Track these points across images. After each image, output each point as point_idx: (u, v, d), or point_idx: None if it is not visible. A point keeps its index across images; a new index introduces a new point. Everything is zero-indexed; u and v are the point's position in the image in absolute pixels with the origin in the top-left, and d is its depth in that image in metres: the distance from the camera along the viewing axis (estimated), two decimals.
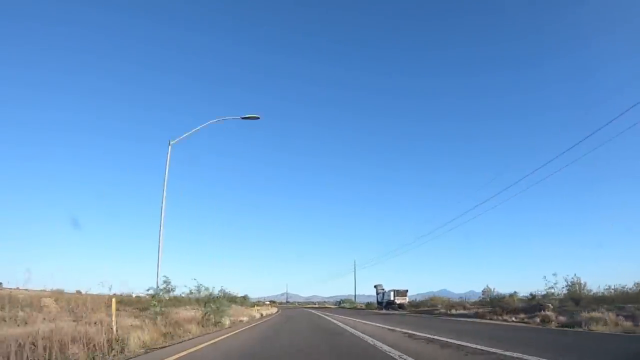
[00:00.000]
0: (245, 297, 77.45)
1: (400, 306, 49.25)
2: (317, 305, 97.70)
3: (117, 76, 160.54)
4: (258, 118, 18.48)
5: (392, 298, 49.98)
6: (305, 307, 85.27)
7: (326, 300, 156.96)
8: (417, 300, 49.69)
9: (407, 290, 50.87)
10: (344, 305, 76.92)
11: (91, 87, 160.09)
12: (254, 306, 66.40)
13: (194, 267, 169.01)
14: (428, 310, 38.57)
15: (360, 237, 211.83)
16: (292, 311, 51.06)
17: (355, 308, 65.84)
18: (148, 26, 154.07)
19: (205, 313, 14.58)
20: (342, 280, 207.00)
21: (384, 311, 46.95)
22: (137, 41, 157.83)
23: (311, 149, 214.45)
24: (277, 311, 50.21)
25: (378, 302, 56.62)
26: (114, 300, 8.45)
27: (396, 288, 50.51)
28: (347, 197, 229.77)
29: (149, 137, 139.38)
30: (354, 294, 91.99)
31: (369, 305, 62.55)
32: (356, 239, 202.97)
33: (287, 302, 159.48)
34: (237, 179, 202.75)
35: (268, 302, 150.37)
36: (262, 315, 32.29)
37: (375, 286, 60.15)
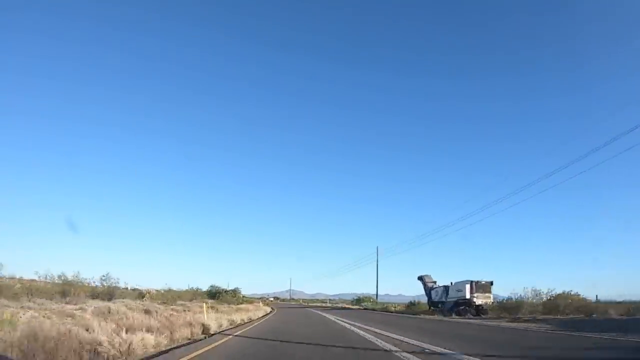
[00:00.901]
0: (235, 292, 56.93)
1: (480, 310, 28.20)
2: (328, 304, 76.04)
3: None
4: None
5: (466, 296, 28.69)
6: (312, 306, 64.27)
7: (331, 297, 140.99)
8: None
9: (491, 283, 29.60)
10: (368, 306, 55.52)
11: None
12: (241, 303, 46.05)
13: (197, 264, 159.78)
14: (581, 320, 17.09)
15: (360, 235, 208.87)
16: (292, 313, 30.40)
17: (387, 310, 44.58)
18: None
19: None
20: (345, 278, 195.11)
21: (456, 318, 25.91)
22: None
23: (316, 146, 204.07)
24: (269, 313, 29.53)
25: (431, 303, 35.42)
26: None
27: (473, 279, 29.22)
28: (349, 196, 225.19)
29: None
30: (365, 290, 73.36)
31: (411, 306, 40.84)
32: (357, 237, 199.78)
33: (290, 298, 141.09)
34: (238, 174, 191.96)
35: (272, 299, 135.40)
36: (202, 334, 11.34)
37: (420, 278, 39.02)
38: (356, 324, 17.46)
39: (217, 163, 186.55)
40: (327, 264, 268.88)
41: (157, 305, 22.28)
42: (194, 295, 39.86)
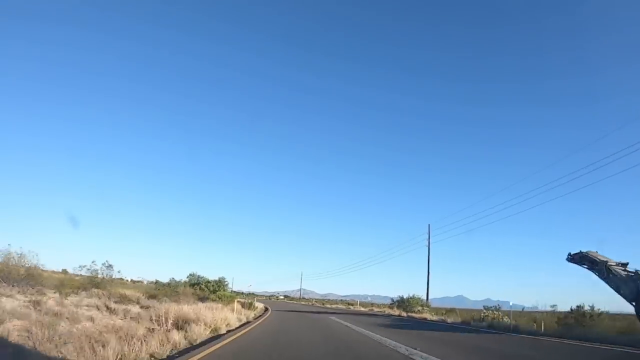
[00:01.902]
0: (220, 282, 38.77)
1: None
2: (359, 307, 54.85)
3: None
4: None
5: None
6: (331, 311, 44.42)
7: (342, 298, 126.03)
8: None
9: None
10: (420, 313, 34.40)
11: None
12: (213, 300, 27.18)
13: (205, 260, 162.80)
14: None
15: (363, 235, 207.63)
16: (302, 329, 9.96)
17: (532, 332, 23.70)
18: None
19: None
20: (354, 279, 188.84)
21: None
22: None
23: (323, 147, 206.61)
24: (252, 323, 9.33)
25: None
26: None
27: None
28: (354, 194, 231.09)
29: None
30: (376, 292, 53.12)
31: (582, 317, 18.80)
32: (361, 236, 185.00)
33: (300, 297, 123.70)
34: (245, 175, 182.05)
35: (282, 297, 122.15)
36: None
37: (583, 257, 17.91)
38: None
39: (224, 163, 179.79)
40: (337, 263, 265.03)
41: None
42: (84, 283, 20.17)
